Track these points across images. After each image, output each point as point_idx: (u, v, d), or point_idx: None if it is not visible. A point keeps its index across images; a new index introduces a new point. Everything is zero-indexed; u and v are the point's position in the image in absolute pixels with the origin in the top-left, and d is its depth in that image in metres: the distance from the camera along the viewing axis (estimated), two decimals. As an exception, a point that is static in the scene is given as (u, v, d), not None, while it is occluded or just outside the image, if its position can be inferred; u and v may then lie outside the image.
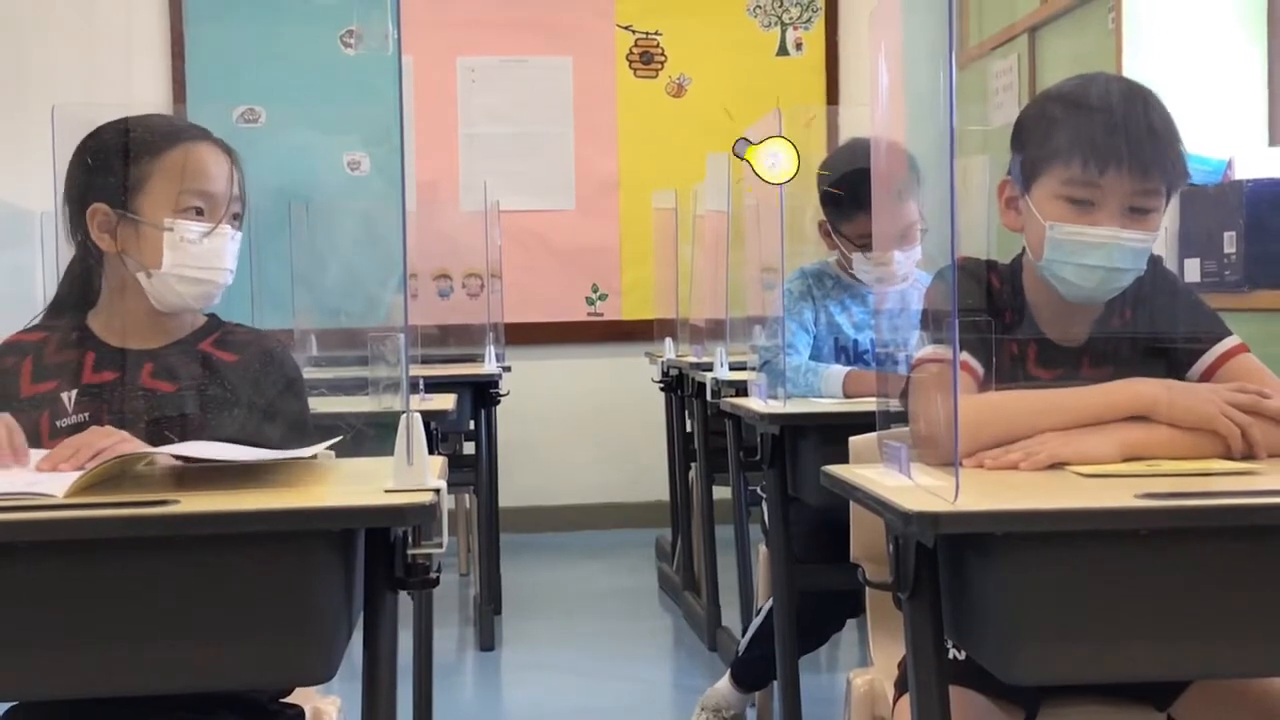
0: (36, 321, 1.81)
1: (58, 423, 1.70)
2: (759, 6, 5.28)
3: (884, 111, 1.66)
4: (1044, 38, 3.84)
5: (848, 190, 2.71)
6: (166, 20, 4.93)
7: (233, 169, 1.78)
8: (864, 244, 2.75)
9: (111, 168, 1.73)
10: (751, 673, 2.92)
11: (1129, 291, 1.73)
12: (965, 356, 1.65)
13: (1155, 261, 1.77)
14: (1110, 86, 1.70)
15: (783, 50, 5.32)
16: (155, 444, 1.65)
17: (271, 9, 4.88)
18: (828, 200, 2.80)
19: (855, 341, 2.83)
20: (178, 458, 1.53)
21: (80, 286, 1.79)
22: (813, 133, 5.07)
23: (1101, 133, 1.65)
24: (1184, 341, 1.73)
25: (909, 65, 1.61)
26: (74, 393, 1.72)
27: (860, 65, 5.06)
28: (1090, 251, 1.66)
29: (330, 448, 1.66)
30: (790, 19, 5.30)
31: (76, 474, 1.42)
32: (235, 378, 1.77)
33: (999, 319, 1.73)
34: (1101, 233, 1.65)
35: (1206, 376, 1.71)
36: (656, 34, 5.52)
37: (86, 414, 1.71)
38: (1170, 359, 1.74)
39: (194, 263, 1.73)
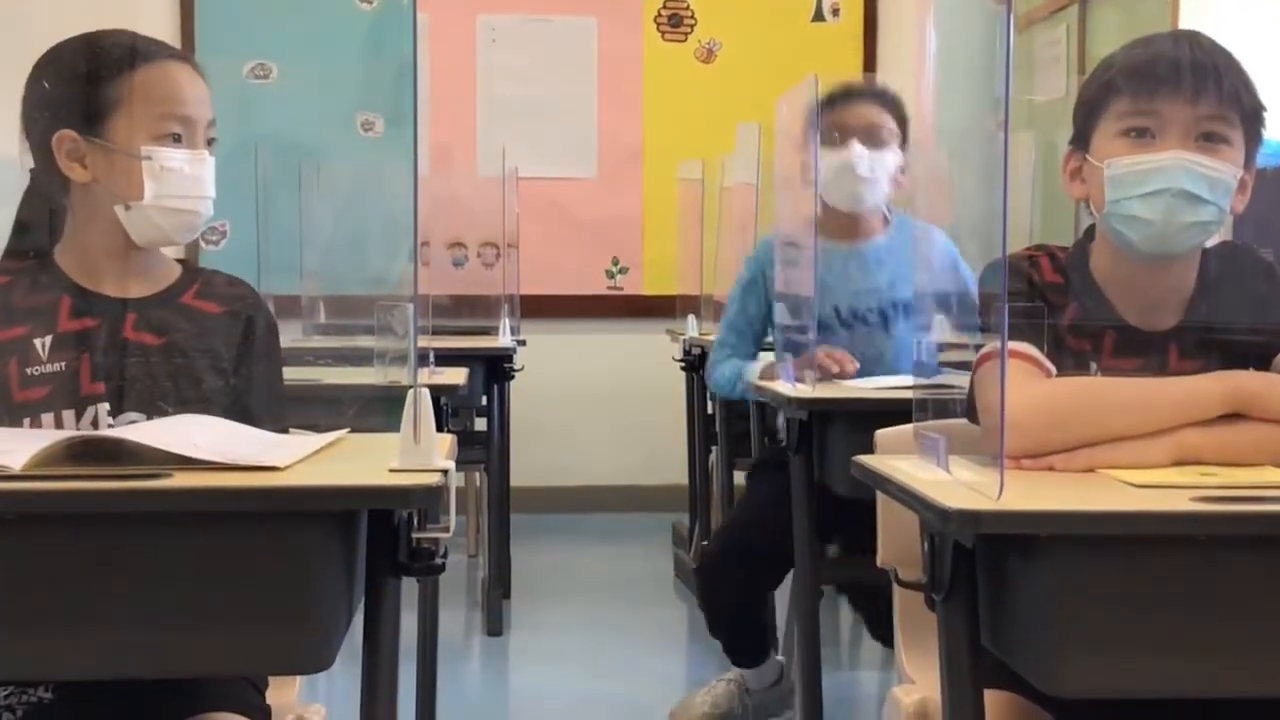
0: None
1: (29, 370, 1.60)
2: (794, -31, 5.19)
3: (931, 76, 1.57)
4: (1095, 8, 3.75)
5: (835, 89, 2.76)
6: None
7: (207, 90, 1.68)
8: (829, 138, 2.71)
9: (76, 90, 1.62)
10: (717, 630, 2.84)
11: (1226, 275, 1.61)
12: (1033, 350, 1.54)
13: (1249, 249, 1.66)
14: (1160, 34, 1.62)
15: (818, 15, 5.21)
16: (142, 402, 1.61)
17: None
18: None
19: (836, 307, 2.76)
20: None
21: (42, 221, 1.68)
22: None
23: (1153, 61, 1.55)
24: None
25: (951, 31, 1.53)
26: (49, 339, 1.62)
27: (899, 32, 4.96)
28: (1153, 178, 1.52)
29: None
30: (827, -18, 5.21)
31: (39, 446, 1.34)
32: (221, 329, 1.70)
33: (1061, 308, 1.61)
34: (1164, 154, 1.52)
35: None
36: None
37: (63, 363, 1.61)
38: (1272, 354, 1.59)
39: (177, 192, 1.62)
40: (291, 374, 2.67)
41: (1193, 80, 1.52)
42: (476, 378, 3.67)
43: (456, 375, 3.00)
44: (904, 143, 2.73)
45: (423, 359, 2.61)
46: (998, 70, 1.31)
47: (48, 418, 1.59)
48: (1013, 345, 1.46)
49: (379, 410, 1.58)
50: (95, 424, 1.60)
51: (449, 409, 2.81)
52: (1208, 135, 1.53)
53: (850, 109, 2.73)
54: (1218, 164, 1.53)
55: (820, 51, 5.09)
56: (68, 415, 1.59)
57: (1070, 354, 1.59)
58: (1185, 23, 3.03)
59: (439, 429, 1.39)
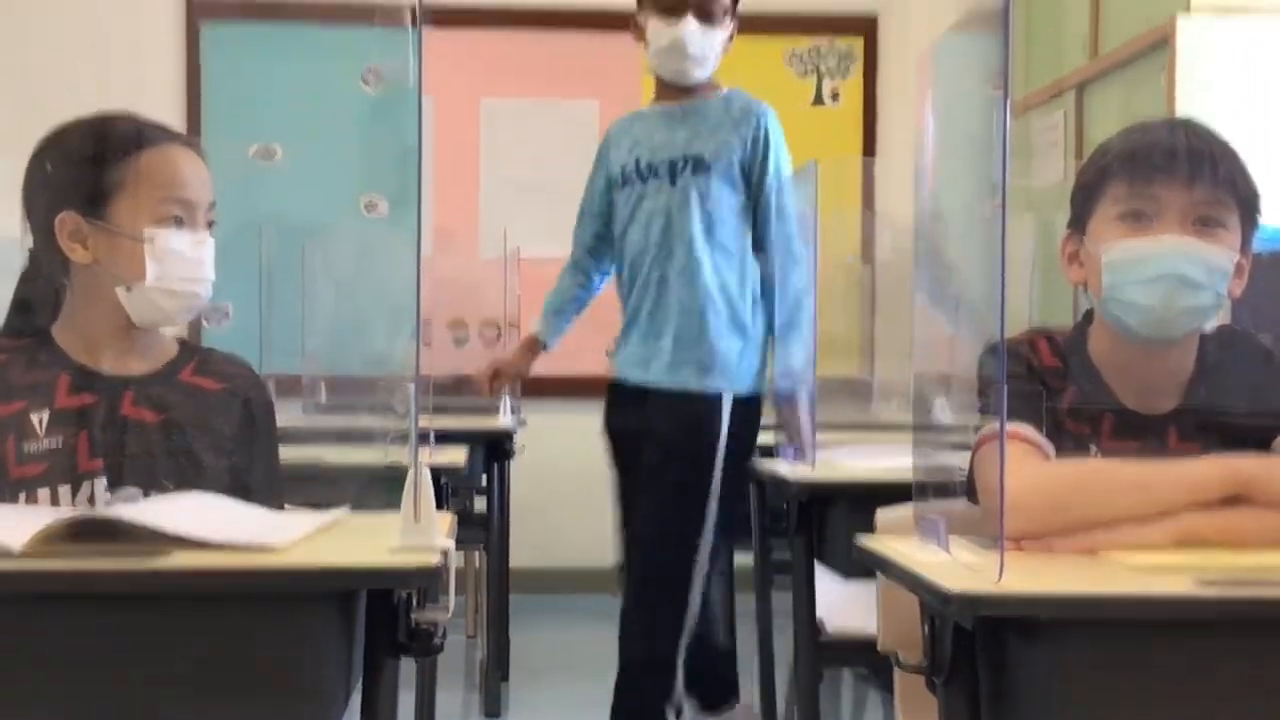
0: None
1: (25, 447, 1.60)
2: (795, 55, 5.22)
3: (930, 160, 1.58)
4: (1092, 94, 3.79)
5: None
6: (183, 54, 4.90)
7: (209, 173, 1.71)
8: (662, 5, 2.67)
9: (80, 172, 1.63)
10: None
11: (1224, 359, 1.62)
12: (1032, 432, 1.54)
13: (1247, 335, 1.66)
14: (1156, 121, 1.65)
15: (819, 100, 5.25)
16: (140, 479, 1.61)
17: (291, 45, 4.85)
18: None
19: (623, 167, 2.78)
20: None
21: (41, 300, 1.69)
22: (847, 183, 5.00)
23: (1150, 146, 1.56)
24: None
25: (950, 116, 1.55)
26: (46, 415, 1.62)
27: (898, 117, 5.00)
28: (1150, 263, 1.53)
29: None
30: (827, 69, 5.23)
31: (40, 525, 1.33)
32: (219, 406, 1.70)
33: (1060, 392, 1.61)
34: (1161, 239, 1.53)
35: None
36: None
37: (60, 439, 1.61)
38: (1271, 439, 1.58)
39: (179, 274, 1.64)
40: (292, 453, 2.65)
41: (1189, 166, 1.53)
42: (477, 457, 3.66)
43: (457, 454, 2.99)
44: (733, 12, 2.69)
45: (423, 438, 2.61)
46: (994, 155, 1.32)
47: (44, 493, 1.58)
48: (1011, 427, 1.46)
49: (379, 490, 1.57)
50: (92, 500, 1.60)
51: (449, 488, 2.80)
52: (1204, 220, 1.54)
53: None
54: (1214, 249, 1.53)
55: (821, 135, 5.12)
56: (64, 491, 1.59)
57: (1069, 437, 1.59)
58: (1181, 111, 3.06)
59: (439, 508, 1.39)
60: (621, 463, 2.95)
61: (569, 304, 3.05)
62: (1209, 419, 1.58)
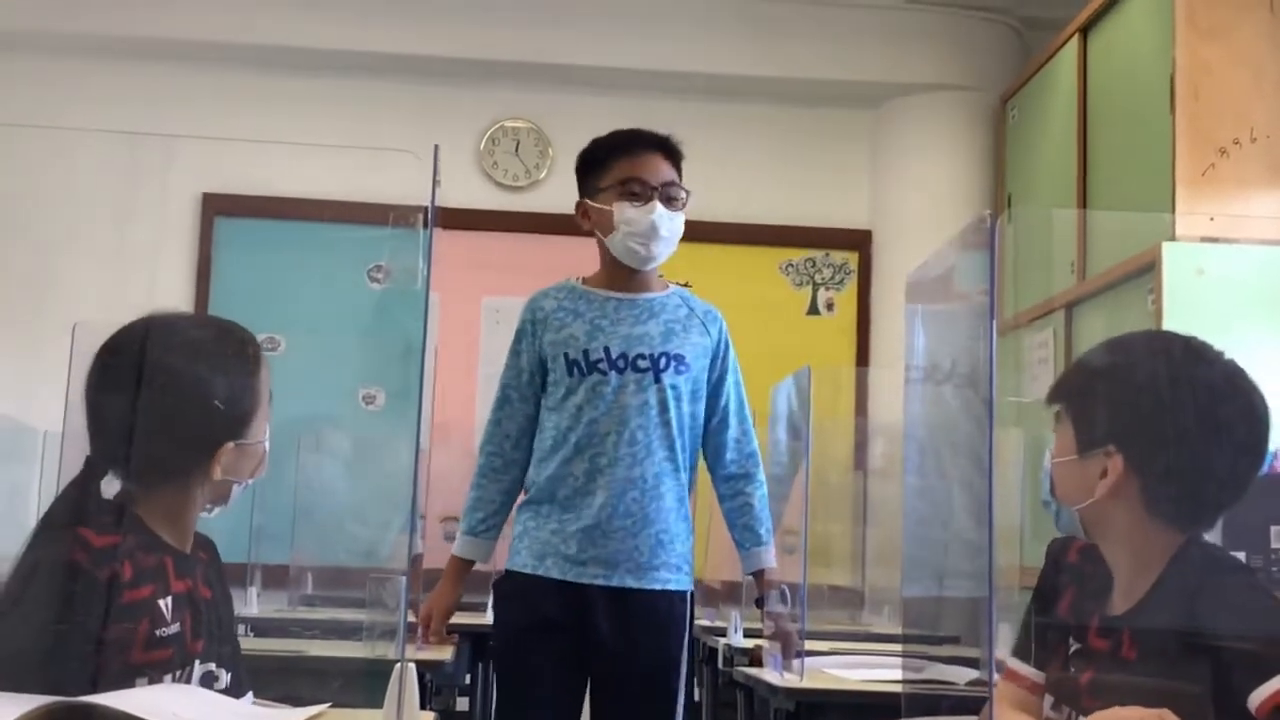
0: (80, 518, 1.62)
1: (158, 632, 1.57)
2: (791, 265, 5.33)
3: (919, 375, 1.61)
4: (1081, 314, 3.86)
5: (602, 144, 2.67)
6: (196, 245, 4.99)
7: None
8: (629, 191, 2.61)
9: (237, 400, 1.68)
10: None
11: (1187, 572, 1.61)
12: (1021, 668, 1.66)
13: (1241, 568, 1.68)
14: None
15: (813, 310, 5.34)
16: (210, 655, 1.63)
17: (301, 240, 4.95)
18: (582, 170, 2.69)
19: (585, 352, 2.59)
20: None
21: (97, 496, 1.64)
22: (842, 394, 5.04)
23: None
24: (1243, 653, 1.50)
25: (943, 333, 1.58)
26: (169, 600, 1.60)
27: (892, 328, 5.06)
28: None
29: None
30: (822, 279, 5.33)
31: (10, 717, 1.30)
32: (218, 578, 1.75)
33: (1064, 590, 1.70)
34: None
35: (1264, 711, 1.44)
36: (685, 285, 5.53)
37: (179, 624, 1.60)
38: (1220, 664, 1.50)
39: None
40: (276, 645, 2.61)
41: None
42: (462, 654, 3.60)
43: (441, 651, 2.94)
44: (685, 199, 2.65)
45: (409, 632, 2.57)
46: (982, 371, 1.34)
47: (168, 679, 1.57)
48: (1012, 665, 1.59)
49: (361, 685, 1.55)
50: (189, 681, 1.59)
51: (432, 686, 2.75)
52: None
53: (647, 161, 2.64)
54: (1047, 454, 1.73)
55: (815, 344, 5.18)
56: (180, 676, 1.59)
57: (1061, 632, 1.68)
58: (1169, 327, 3.10)
59: (421, 707, 1.37)
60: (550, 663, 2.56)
61: (495, 516, 2.64)
62: (1163, 632, 1.59)
